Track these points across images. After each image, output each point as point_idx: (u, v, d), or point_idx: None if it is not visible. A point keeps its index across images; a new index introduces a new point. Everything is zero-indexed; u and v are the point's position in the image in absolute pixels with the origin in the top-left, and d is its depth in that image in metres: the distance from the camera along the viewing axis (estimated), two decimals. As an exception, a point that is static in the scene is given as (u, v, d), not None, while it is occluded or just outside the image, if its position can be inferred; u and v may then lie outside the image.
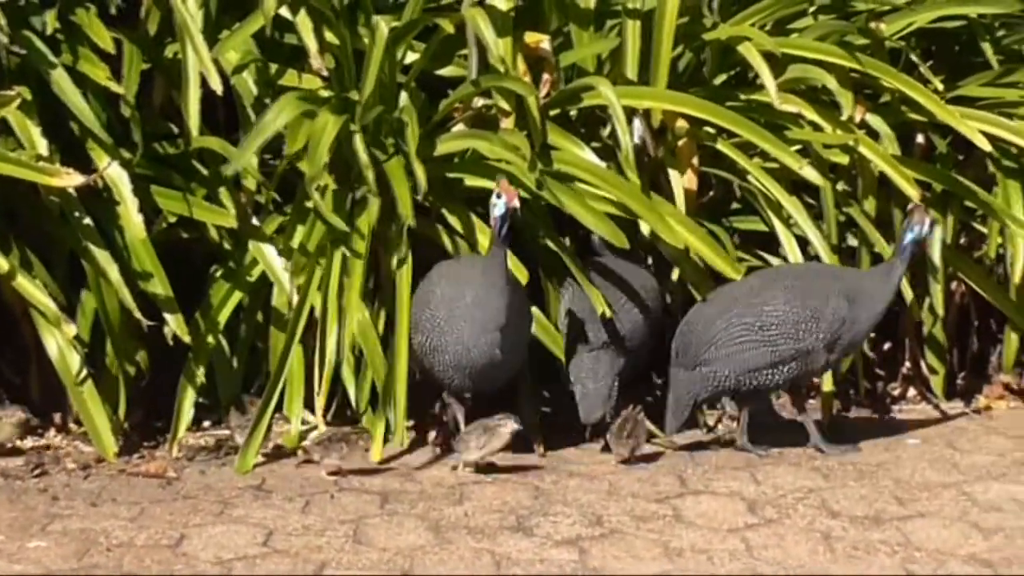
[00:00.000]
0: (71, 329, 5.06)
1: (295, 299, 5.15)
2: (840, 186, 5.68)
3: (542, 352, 5.30)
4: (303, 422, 5.17)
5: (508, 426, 4.98)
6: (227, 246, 5.36)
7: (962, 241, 5.93)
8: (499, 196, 4.97)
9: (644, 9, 5.46)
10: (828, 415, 5.56)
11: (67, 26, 5.24)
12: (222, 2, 5.37)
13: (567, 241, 5.44)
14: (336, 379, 5.18)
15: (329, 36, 5.31)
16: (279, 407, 5.12)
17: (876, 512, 4.74)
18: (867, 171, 5.63)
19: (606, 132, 5.54)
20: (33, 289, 5.05)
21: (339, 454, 5.09)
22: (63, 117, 5.18)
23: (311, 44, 5.21)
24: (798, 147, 5.53)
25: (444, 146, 5.37)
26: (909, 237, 5.22)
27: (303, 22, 5.23)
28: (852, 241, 5.72)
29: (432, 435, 5.30)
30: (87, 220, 5.13)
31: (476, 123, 5.43)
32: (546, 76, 5.44)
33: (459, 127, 5.44)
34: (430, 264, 5.22)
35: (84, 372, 5.09)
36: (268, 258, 5.28)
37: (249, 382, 5.37)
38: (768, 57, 5.40)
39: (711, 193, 5.75)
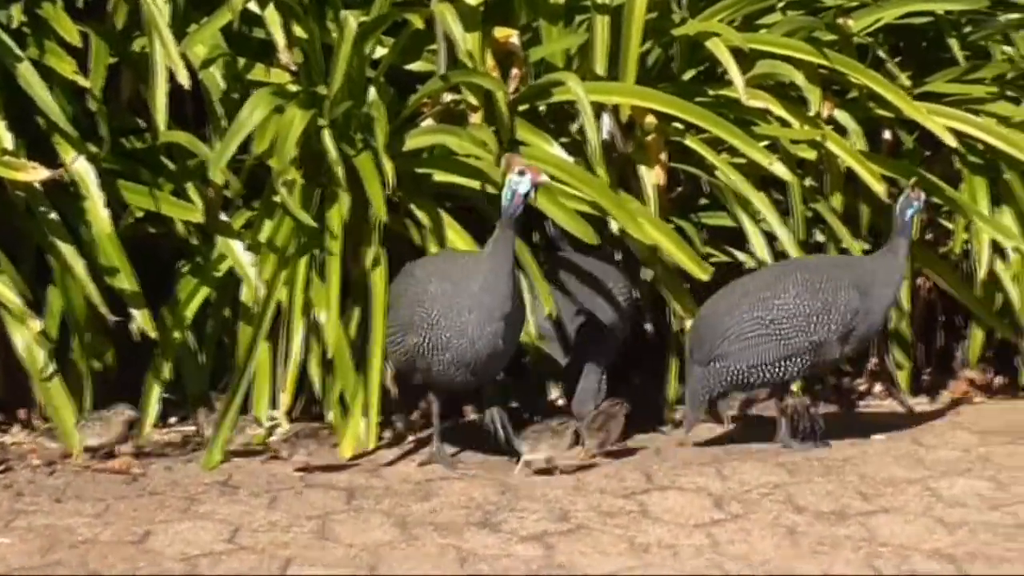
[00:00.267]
0: (37, 324, 5.05)
1: (262, 294, 5.15)
2: (807, 182, 5.71)
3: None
4: (271, 418, 5.16)
5: (572, 427, 5.03)
6: (194, 241, 5.35)
7: (928, 237, 5.95)
8: (522, 173, 4.88)
9: (613, 4, 5.47)
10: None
11: (33, 19, 5.22)
12: (190, -4, 5.37)
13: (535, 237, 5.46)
14: (305, 375, 5.18)
15: (297, 30, 5.30)
16: (246, 404, 5.11)
17: (841, 507, 4.76)
18: (834, 167, 5.66)
19: (575, 127, 5.55)
20: (-1, 284, 5.05)
21: (307, 450, 5.09)
22: (29, 111, 5.16)
23: (279, 38, 5.21)
24: (766, 143, 5.54)
25: (413, 141, 5.36)
26: (909, 213, 5.25)
27: (271, 16, 5.22)
28: (820, 237, 5.74)
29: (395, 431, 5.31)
30: (53, 215, 5.11)
31: (445, 118, 5.43)
32: (515, 71, 5.44)
33: (428, 122, 5.43)
34: (400, 260, 5.22)
35: (50, 368, 5.08)
36: (236, 253, 5.27)
37: (216, 378, 5.35)
38: (736, 53, 5.42)
39: (680, 189, 5.77)
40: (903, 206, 5.26)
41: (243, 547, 4.38)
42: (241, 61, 5.37)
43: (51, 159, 5.11)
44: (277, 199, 5.18)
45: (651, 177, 5.47)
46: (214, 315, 5.35)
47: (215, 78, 5.32)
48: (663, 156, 5.50)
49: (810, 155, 5.62)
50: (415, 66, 5.51)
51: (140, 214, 5.28)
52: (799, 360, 5.16)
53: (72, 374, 5.15)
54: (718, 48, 5.43)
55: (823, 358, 5.19)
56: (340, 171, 5.14)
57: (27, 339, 5.06)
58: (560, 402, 5.51)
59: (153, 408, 5.20)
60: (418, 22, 5.20)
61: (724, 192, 5.54)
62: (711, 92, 5.63)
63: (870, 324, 5.22)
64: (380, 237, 5.16)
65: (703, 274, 5.33)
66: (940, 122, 5.60)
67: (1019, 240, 5.71)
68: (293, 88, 5.30)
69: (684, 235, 5.49)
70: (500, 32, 5.43)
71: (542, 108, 5.54)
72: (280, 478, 4.95)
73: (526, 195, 4.89)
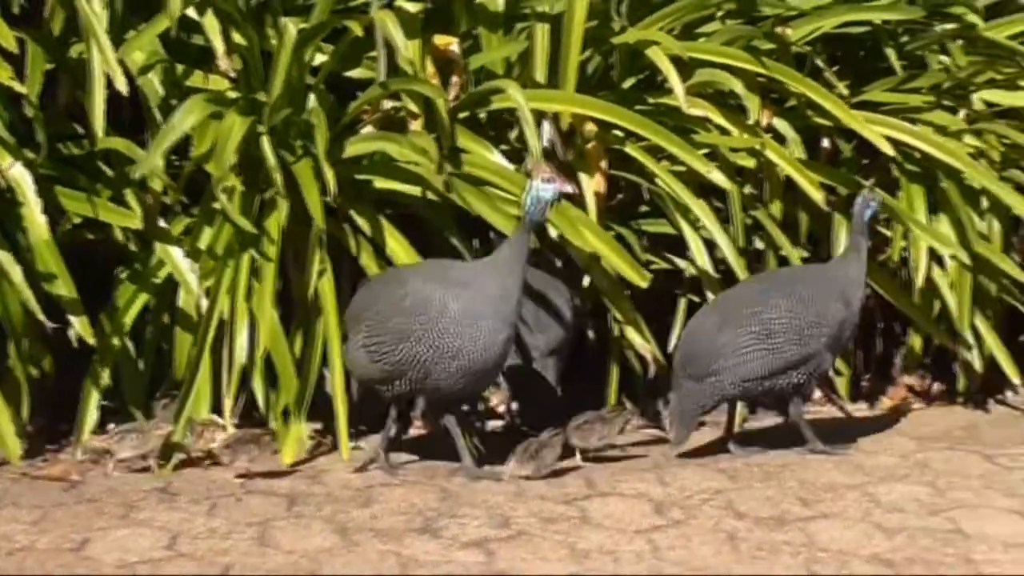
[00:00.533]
0: (-28, 332, 5.01)
1: (203, 302, 5.13)
2: (747, 189, 5.72)
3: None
4: (214, 425, 5.13)
5: (623, 415, 5.20)
6: (133, 248, 5.32)
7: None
8: (550, 181, 4.89)
9: (553, 13, 5.48)
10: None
11: (-32, 26, 5.19)
12: (128, 2, 5.32)
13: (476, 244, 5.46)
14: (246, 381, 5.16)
15: (237, 37, 5.28)
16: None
17: (781, 513, 4.78)
18: (773, 175, 5.68)
19: (515, 135, 5.55)
20: (-66, 291, 5.00)
21: (249, 456, 5.06)
22: (-35, 117, 5.13)
23: (218, 45, 5.18)
24: (706, 151, 5.56)
25: (353, 148, 5.35)
26: (868, 214, 5.30)
27: (210, 23, 5.19)
28: (759, 244, 5.77)
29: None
30: (-10, 221, 5.08)
31: (385, 125, 5.42)
32: (455, 79, 5.44)
33: (368, 129, 5.42)
34: (341, 267, 5.21)
35: (-13, 375, 5.05)
36: (175, 260, 5.24)
37: (156, 384, 5.32)
38: (676, 61, 5.43)
39: (620, 196, 5.78)
40: (861, 207, 5.31)
41: (182, 554, 4.35)
42: (180, 68, 5.34)
43: (-13, 165, 5.07)
44: (217, 205, 5.15)
45: (591, 184, 5.47)
46: (153, 321, 5.32)
47: (153, 84, 5.29)
48: (603, 164, 5.50)
49: (749, 163, 5.65)
50: (355, 73, 5.49)
51: (78, 220, 5.25)
52: (794, 373, 5.20)
53: (9, 381, 5.10)
54: (658, 56, 5.44)
55: (817, 369, 5.24)
56: (279, 177, 5.12)
57: (-37, 346, 5.03)
58: (501, 408, 5.51)
59: (92, 415, 5.16)
60: (358, 29, 5.18)
61: (664, 199, 5.55)
62: (651, 100, 5.64)
63: (852, 329, 5.31)
64: (324, 244, 5.14)
65: (642, 281, 5.33)
66: (877, 130, 5.64)
67: (956, 248, 5.75)
68: (232, 95, 5.28)
69: (624, 242, 5.51)
70: (440, 40, 5.43)
71: (482, 115, 5.54)
72: (220, 484, 4.92)
73: (552, 203, 4.92)
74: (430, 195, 5.27)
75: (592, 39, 5.56)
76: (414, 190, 5.32)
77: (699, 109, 5.52)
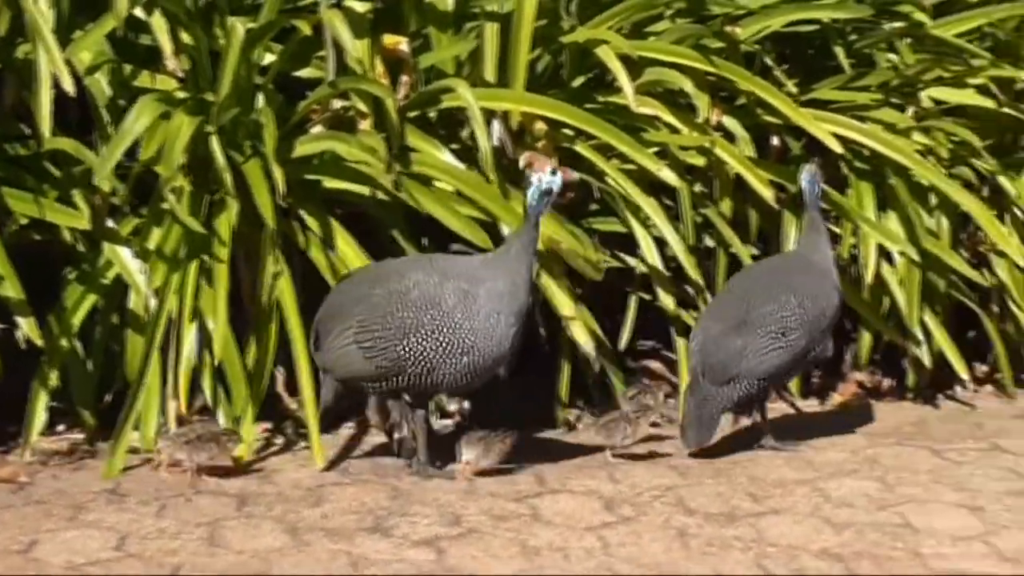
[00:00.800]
0: (-81, 333, 4.98)
1: (152, 302, 5.10)
2: (697, 187, 5.75)
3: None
4: (162, 427, 5.12)
5: (648, 414, 5.29)
6: (81, 248, 5.29)
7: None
8: (554, 172, 4.92)
9: (502, 12, 5.48)
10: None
11: (-86, 26, 5.16)
12: (75, 2, 5.29)
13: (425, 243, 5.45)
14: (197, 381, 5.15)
15: (184, 37, 5.26)
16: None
17: (731, 509, 4.79)
18: (723, 173, 5.71)
19: (465, 134, 5.55)
20: None
21: (209, 455, 5.01)
22: (-90, 118, 5.11)
23: (166, 45, 5.16)
24: (655, 149, 5.58)
25: (302, 148, 5.33)
26: (817, 188, 5.38)
27: (158, 23, 5.17)
28: (709, 241, 5.79)
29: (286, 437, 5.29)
30: (-64, 222, 5.05)
31: (334, 125, 5.41)
32: (404, 78, 5.44)
33: (317, 129, 5.41)
34: (292, 266, 5.20)
35: (-66, 377, 5.01)
36: (123, 260, 5.21)
37: (104, 385, 5.29)
38: (625, 60, 5.44)
39: (570, 194, 5.77)
40: (809, 182, 5.37)
41: (131, 555, 4.34)
42: (127, 68, 5.32)
43: (-67, 166, 5.04)
44: (165, 206, 5.13)
45: (541, 183, 5.47)
46: (102, 322, 5.29)
47: (101, 85, 5.26)
48: (553, 162, 5.51)
49: (699, 161, 5.67)
50: (304, 73, 5.48)
51: (25, 221, 5.21)
52: (802, 364, 5.32)
53: (-43, 383, 5.08)
54: (607, 55, 5.45)
55: (822, 354, 5.35)
56: (228, 177, 5.10)
57: (-91, 349, 4.99)
58: (452, 407, 5.51)
59: (40, 416, 5.12)
60: (306, 29, 5.17)
61: (614, 198, 5.57)
62: (601, 99, 5.66)
63: (839, 311, 5.40)
64: (277, 245, 5.13)
65: (596, 275, 5.35)
66: (826, 128, 5.67)
67: (905, 244, 5.79)
68: (180, 95, 5.26)
69: (575, 240, 5.50)
70: (389, 39, 5.42)
71: (432, 115, 5.54)
72: (170, 485, 4.90)
73: (558, 193, 4.94)
74: (379, 194, 5.26)
75: (542, 38, 5.57)
76: (363, 189, 5.31)
77: (649, 108, 5.54)
